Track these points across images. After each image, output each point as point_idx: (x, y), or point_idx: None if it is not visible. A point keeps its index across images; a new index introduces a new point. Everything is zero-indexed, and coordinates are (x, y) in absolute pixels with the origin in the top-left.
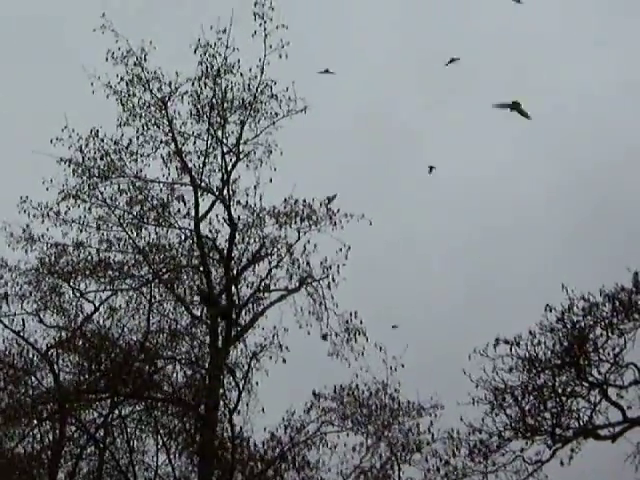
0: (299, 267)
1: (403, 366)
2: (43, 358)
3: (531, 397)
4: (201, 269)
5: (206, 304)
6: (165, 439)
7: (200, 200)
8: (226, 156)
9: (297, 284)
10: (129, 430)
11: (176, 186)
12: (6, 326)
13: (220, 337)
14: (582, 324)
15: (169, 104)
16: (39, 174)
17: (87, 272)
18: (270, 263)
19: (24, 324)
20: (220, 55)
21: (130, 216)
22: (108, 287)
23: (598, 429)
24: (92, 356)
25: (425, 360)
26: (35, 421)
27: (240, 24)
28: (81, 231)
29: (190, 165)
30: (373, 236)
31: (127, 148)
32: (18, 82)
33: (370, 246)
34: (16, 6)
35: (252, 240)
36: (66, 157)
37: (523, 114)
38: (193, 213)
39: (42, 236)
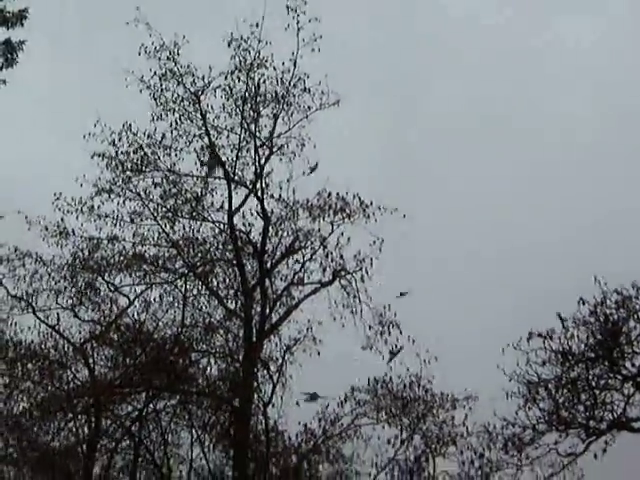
0: (332, 260)
1: (437, 359)
2: (78, 352)
3: (565, 390)
4: (235, 263)
5: None
6: (200, 432)
7: (233, 193)
8: (259, 149)
9: (331, 277)
10: (164, 424)
11: (209, 179)
12: (42, 320)
13: (254, 330)
14: (615, 317)
15: (202, 98)
16: (73, 170)
17: (121, 266)
18: (304, 256)
19: (59, 318)
20: (253, 49)
21: (164, 210)
22: (143, 281)
23: (632, 422)
24: (127, 350)
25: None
26: (70, 415)
27: (273, 18)
28: (115, 225)
29: (223, 159)
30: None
31: (160, 142)
32: (51, 77)
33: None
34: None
35: (285, 233)
36: (99, 151)
37: None
38: (226, 206)
39: (74, 231)
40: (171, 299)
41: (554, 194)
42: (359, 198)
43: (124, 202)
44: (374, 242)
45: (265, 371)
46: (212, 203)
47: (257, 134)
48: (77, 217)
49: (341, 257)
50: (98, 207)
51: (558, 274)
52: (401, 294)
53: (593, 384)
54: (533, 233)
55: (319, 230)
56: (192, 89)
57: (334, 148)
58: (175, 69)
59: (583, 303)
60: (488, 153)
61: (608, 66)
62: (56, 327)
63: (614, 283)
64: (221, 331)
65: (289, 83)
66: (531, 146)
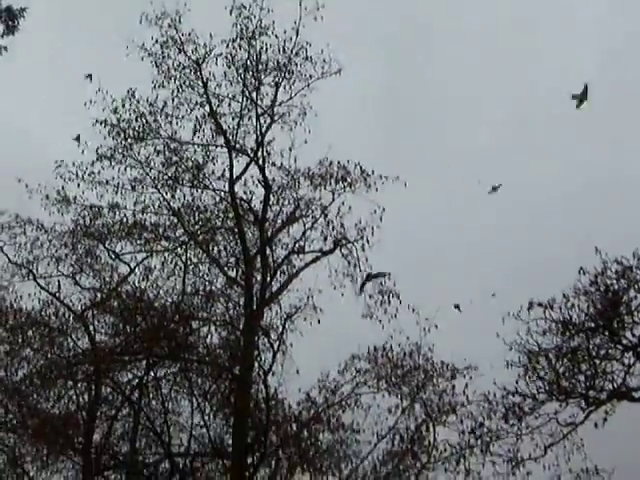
0: (333, 229)
1: (437, 327)
2: (79, 319)
3: (565, 360)
4: (236, 231)
5: None
6: (200, 400)
7: (235, 162)
8: (260, 118)
9: (331, 246)
10: (164, 391)
11: (211, 148)
12: (42, 287)
13: (255, 298)
14: (616, 287)
15: (203, 66)
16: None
17: (122, 234)
18: (304, 225)
19: (60, 286)
20: (255, 17)
21: (165, 177)
22: (143, 249)
23: (632, 391)
24: (127, 318)
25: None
26: (70, 382)
27: None
28: (116, 193)
29: (225, 127)
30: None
31: (162, 110)
32: (52, 46)
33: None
34: None
35: (287, 202)
36: (101, 119)
37: None
38: (228, 175)
39: (75, 198)
40: (172, 267)
41: (554, 156)
42: (360, 167)
43: (125, 170)
44: (375, 211)
45: (265, 339)
46: (213, 171)
47: (258, 102)
48: (78, 185)
49: (342, 226)
50: (98, 172)
51: (558, 240)
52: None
53: (593, 354)
54: (532, 197)
55: (320, 199)
56: (193, 57)
57: (335, 116)
58: (176, 37)
59: (583, 273)
60: (487, 119)
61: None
62: (57, 294)
63: (614, 249)
64: (222, 299)
65: (291, 51)
66: (531, 113)
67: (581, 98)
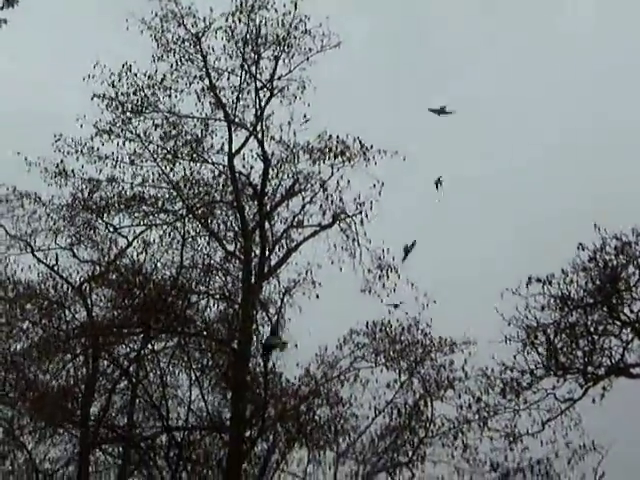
0: (332, 203)
1: (435, 302)
2: (77, 292)
3: (563, 335)
4: (235, 204)
5: None
6: (198, 374)
7: (234, 135)
8: (260, 92)
9: (330, 220)
10: (162, 365)
11: (210, 121)
12: (40, 260)
13: (253, 272)
14: (614, 263)
15: (203, 39)
16: (73, 111)
17: (121, 207)
18: (303, 199)
19: (58, 259)
20: None
21: (164, 151)
22: (142, 222)
23: (630, 367)
24: (125, 291)
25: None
26: (69, 355)
27: None
28: (115, 166)
29: (224, 100)
30: None
31: (161, 83)
32: (51, 18)
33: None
34: None
35: (285, 176)
36: (99, 92)
37: None
38: (227, 148)
39: (74, 171)
40: (170, 240)
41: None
42: (359, 141)
43: (124, 143)
44: (374, 185)
45: (264, 313)
46: (212, 145)
47: (258, 76)
48: (77, 158)
49: (341, 200)
50: (97, 149)
51: (556, 213)
52: None
53: (592, 329)
54: (532, 158)
55: (319, 173)
56: (193, 30)
57: (335, 90)
58: (176, 10)
59: (582, 249)
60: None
61: None
62: (55, 267)
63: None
64: (220, 273)
65: (290, 25)
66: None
67: None
